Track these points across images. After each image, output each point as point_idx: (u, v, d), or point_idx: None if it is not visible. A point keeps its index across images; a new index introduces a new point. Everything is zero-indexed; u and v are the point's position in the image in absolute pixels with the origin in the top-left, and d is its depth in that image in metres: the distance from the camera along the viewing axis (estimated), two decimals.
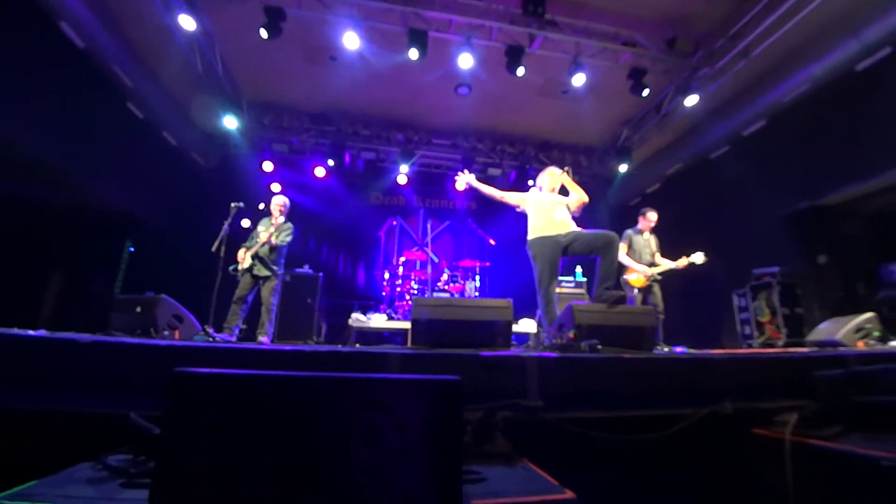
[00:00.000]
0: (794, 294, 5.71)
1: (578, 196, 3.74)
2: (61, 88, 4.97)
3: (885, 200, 5.32)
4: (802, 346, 4.90)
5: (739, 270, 6.26)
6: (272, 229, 4.88)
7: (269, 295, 4.86)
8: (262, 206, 5.30)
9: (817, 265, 5.93)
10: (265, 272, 4.84)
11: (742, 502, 1.82)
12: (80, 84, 5.21)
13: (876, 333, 3.89)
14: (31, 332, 1.66)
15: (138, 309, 3.29)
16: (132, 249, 6.76)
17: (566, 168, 3.92)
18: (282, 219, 5.01)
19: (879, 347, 3.63)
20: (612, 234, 3.38)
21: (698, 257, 4.99)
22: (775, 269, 5.85)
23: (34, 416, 1.28)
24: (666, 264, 5.07)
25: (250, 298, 4.87)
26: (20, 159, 4.74)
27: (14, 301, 4.64)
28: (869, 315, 3.95)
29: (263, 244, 4.79)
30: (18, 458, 1.15)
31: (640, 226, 5.30)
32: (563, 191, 3.92)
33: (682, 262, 5.03)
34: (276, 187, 8.24)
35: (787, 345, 5.36)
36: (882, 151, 4.77)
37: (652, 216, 5.29)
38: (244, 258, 4.82)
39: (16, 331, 1.68)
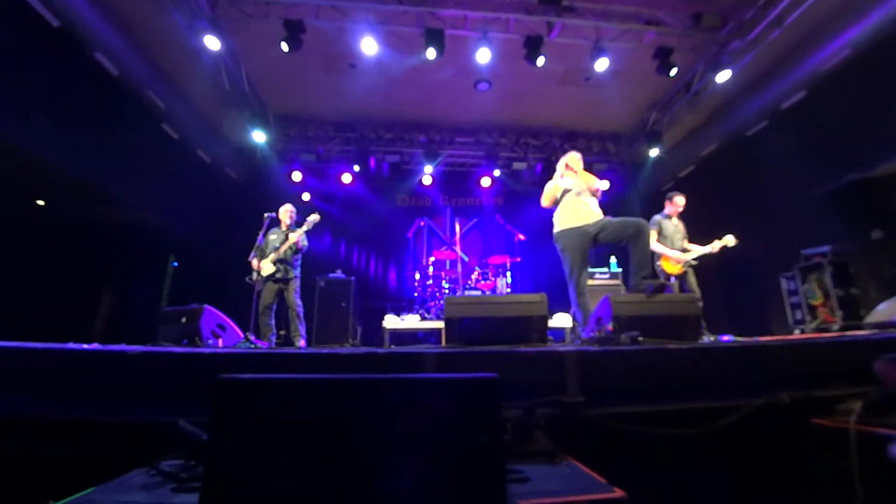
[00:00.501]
0: (848, 274, 5.38)
1: (589, 184, 3.64)
2: (100, 114, 5.25)
3: None
4: (860, 328, 4.60)
5: (786, 252, 5.95)
6: (294, 234, 4.93)
7: (295, 297, 4.96)
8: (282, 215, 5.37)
9: (871, 241, 5.54)
10: (290, 275, 4.93)
11: (803, 497, 1.71)
12: (118, 109, 5.50)
13: None
14: (86, 346, 1.75)
15: (183, 320, 3.44)
16: (176, 264, 7.09)
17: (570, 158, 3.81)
18: (294, 226, 5.09)
19: None
20: (642, 220, 3.27)
21: (729, 240, 4.82)
22: (826, 249, 5.53)
23: (90, 427, 1.35)
24: (697, 249, 4.90)
25: (275, 306, 4.97)
26: (69, 183, 5.06)
27: (70, 317, 4.96)
28: None
29: (290, 245, 4.87)
30: (79, 467, 1.22)
31: (667, 211, 5.13)
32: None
33: (716, 245, 4.85)
34: (305, 196, 8.45)
35: (843, 328, 5.05)
36: None
37: (680, 200, 5.12)
38: (260, 266, 4.82)
39: (71, 345, 1.78)
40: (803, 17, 5.05)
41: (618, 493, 0.93)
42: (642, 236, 3.19)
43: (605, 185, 3.67)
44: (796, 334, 5.47)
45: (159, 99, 5.95)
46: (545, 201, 3.72)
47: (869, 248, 5.52)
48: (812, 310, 5.59)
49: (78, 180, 5.10)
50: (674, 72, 5.73)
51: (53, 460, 1.32)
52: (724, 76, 5.81)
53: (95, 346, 1.78)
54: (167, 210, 6.47)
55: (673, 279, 4.91)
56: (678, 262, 4.89)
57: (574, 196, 3.59)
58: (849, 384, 1.80)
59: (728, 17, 5.54)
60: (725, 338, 3.85)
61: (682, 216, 5.20)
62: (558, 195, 3.67)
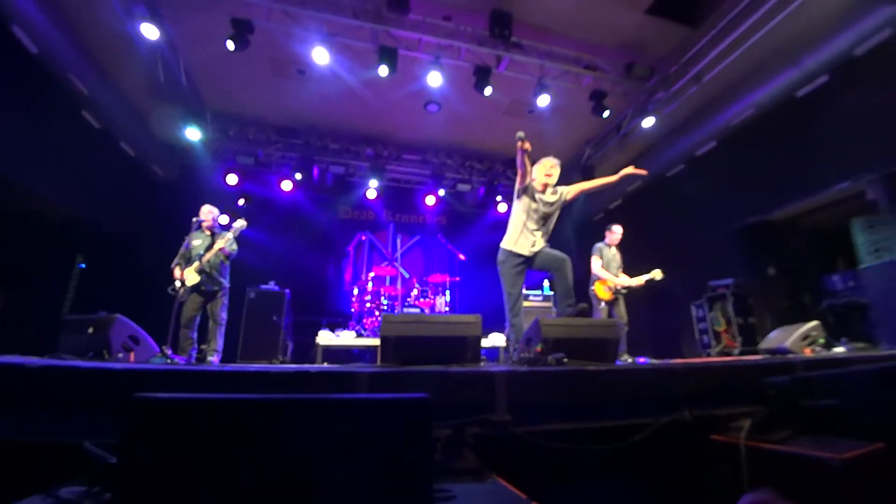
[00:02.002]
0: (747, 304, 6.04)
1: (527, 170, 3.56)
2: (12, 95, 4.71)
3: (825, 216, 5.76)
4: (756, 353, 5.17)
5: (697, 282, 6.57)
6: (220, 241, 4.62)
7: (220, 310, 4.66)
8: (227, 219, 5.11)
9: (767, 276, 6.31)
10: (215, 286, 4.64)
11: None
12: (33, 90, 4.96)
13: (821, 340, 4.16)
14: None
15: (90, 330, 3.11)
16: (83, 266, 6.40)
17: (520, 134, 3.55)
18: (218, 229, 4.81)
19: (824, 354, 3.88)
20: (564, 256, 3.49)
21: (657, 274, 5.20)
22: (729, 281, 6.19)
23: None
24: (627, 280, 5.24)
25: (199, 319, 4.62)
26: None
27: None
28: (814, 323, 4.22)
29: (216, 254, 4.57)
30: None
31: (607, 240, 5.49)
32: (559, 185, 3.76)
33: (642, 279, 5.22)
34: (241, 201, 8.04)
35: (741, 353, 5.63)
36: (822, 170, 5.19)
37: (617, 229, 5.50)
38: (182, 275, 4.47)
39: None
40: (718, 76, 5.75)
41: None
42: (565, 269, 3.43)
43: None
44: (702, 357, 6.02)
45: (82, 84, 5.43)
46: (528, 170, 3.57)
47: (765, 282, 6.28)
48: (717, 335, 6.20)
49: None
50: (606, 114, 6.26)
51: None
52: (649, 122, 6.44)
53: None
54: (79, 205, 5.86)
55: (603, 304, 5.23)
56: (611, 289, 5.23)
57: (533, 213, 3.60)
58: (742, 403, 2.03)
59: (656, 70, 6.18)
60: (642, 360, 4.16)
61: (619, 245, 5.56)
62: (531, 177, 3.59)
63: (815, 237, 6.34)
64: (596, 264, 5.27)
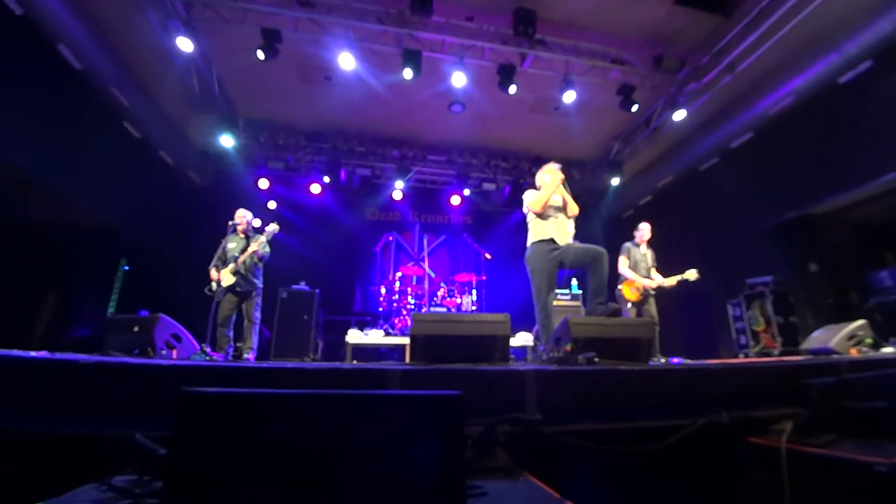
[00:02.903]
0: (787, 303, 5.78)
1: (569, 206, 3.64)
2: (58, 109, 5.02)
3: (871, 208, 5.44)
4: (797, 354, 4.94)
5: (733, 280, 6.33)
6: (254, 244, 4.79)
7: (254, 310, 4.83)
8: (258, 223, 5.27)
9: (809, 274, 6.02)
10: (249, 287, 4.81)
11: None
12: (77, 105, 5.27)
13: (868, 340, 3.94)
14: (33, 354, 1.66)
15: (135, 328, 3.28)
16: (127, 268, 6.74)
17: (561, 176, 3.70)
18: (251, 232, 4.97)
19: (872, 354, 3.68)
20: (601, 249, 3.38)
21: (692, 274, 4.96)
22: (768, 279, 5.93)
23: (38, 440, 1.28)
24: (659, 280, 5.06)
25: (234, 318, 4.81)
26: (16, 179, 4.76)
27: (7, 322, 4.61)
28: (861, 322, 4.00)
29: (250, 256, 4.74)
30: (24, 483, 1.15)
31: (636, 238, 5.33)
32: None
33: (674, 279, 5.01)
34: (272, 204, 8.29)
35: (782, 353, 5.40)
36: (865, 162, 4.90)
37: (644, 227, 5.33)
38: (219, 276, 4.67)
39: (16, 352, 1.68)
40: (753, 65, 5.52)
41: None
42: (600, 263, 3.31)
43: (576, 209, 3.73)
44: (740, 358, 5.80)
45: (123, 96, 5.73)
46: (537, 206, 3.60)
47: (807, 279, 5.98)
48: (755, 335, 5.95)
49: (27, 174, 4.80)
50: (635, 108, 6.10)
51: None
52: (680, 115, 6.24)
53: (44, 354, 1.69)
54: (122, 211, 6.17)
55: (630, 305, 5.10)
56: (639, 290, 5.09)
57: (552, 217, 3.62)
58: (783, 405, 1.96)
59: (686, 61, 5.98)
60: (676, 360, 4.04)
61: (649, 243, 5.38)
62: (546, 204, 3.63)
63: (860, 231, 5.98)
64: (623, 264, 5.14)
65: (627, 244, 5.28)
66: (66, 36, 4.79)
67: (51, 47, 4.74)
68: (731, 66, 5.62)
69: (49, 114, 4.89)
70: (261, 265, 4.96)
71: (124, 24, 5.13)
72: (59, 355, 1.69)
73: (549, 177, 3.71)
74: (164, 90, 6.23)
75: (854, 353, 3.81)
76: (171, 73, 5.83)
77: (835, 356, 3.58)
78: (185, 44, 5.05)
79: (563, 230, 3.59)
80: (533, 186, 3.92)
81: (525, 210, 3.74)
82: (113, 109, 5.79)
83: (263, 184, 8.12)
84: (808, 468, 1.64)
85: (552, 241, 3.52)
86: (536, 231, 3.62)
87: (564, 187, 3.68)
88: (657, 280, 5.06)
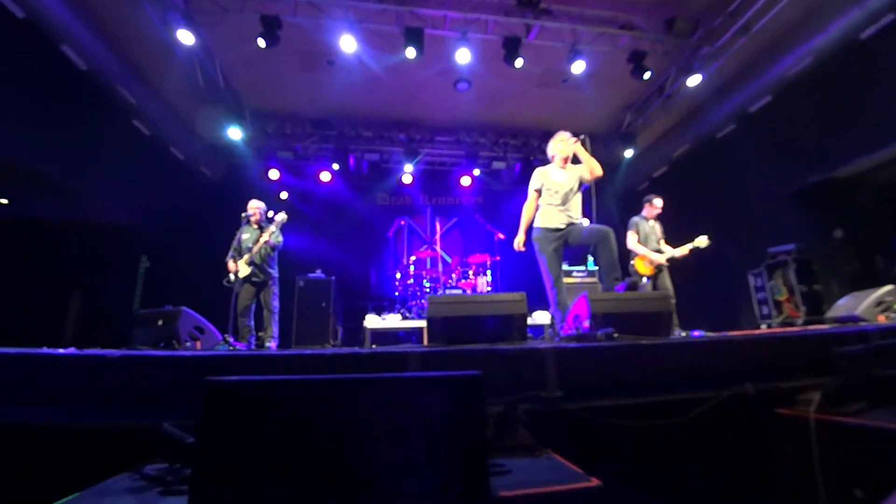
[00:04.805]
0: (811, 271, 5.64)
1: (592, 167, 3.55)
2: (67, 110, 5.07)
3: (894, 171, 5.21)
4: (822, 323, 4.83)
5: (754, 250, 6.20)
6: (265, 234, 4.84)
7: (271, 299, 4.92)
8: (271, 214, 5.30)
9: (833, 240, 5.83)
10: (264, 276, 4.88)
11: (768, 482, 1.81)
12: (86, 104, 5.31)
13: None
14: (61, 351, 1.71)
15: (160, 322, 3.36)
16: (148, 265, 6.89)
17: (581, 136, 3.64)
18: (264, 223, 5.01)
19: None
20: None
21: (702, 241, 4.93)
22: (790, 247, 5.79)
23: (71, 432, 1.33)
24: (670, 251, 5.03)
25: (253, 307, 4.91)
26: (35, 182, 4.86)
27: (37, 321, 4.77)
28: (889, 288, 3.87)
29: (263, 246, 4.80)
30: (60, 474, 1.19)
31: (645, 213, 5.29)
32: (576, 160, 3.69)
33: (686, 248, 4.98)
34: (283, 195, 8.33)
35: (806, 322, 5.30)
36: (889, 121, 4.68)
37: (658, 202, 5.27)
38: (236, 267, 4.77)
39: (46, 350, 1.74)
40: (768, 25, 5.27)
41: (594, 482, 0.98)
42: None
43: (598, 173, 3.60)
44: (763, 328, 5.71)
45: (130, 94, 5.76)
46: (529, 208, 3.70)
47: (831, 246, 5.80)
48: (778, 305, 5.84)
49: (44, 178, 4.91)
50: (647, 75, 5.89)
51: (35, 467, 1.29)
52: (695, 80, 6.02)
53: (72, 350, 1.74)
54: (139, 208, 6.27)
55: (646, 279, 5.06)
56: (652, 263, 5.03)
57: (558, 190, 3.58)
58: (810, 375, 1.91)
59: (699, 24, 5.73)
60: (696, 333, 4.00)
61: (659, 215, 5.35)
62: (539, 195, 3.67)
63: (886, 194, 5.72)
64: (632, 239, 5.09)
65: (635, 219, 5.24)
66: (69, 36, 4.80)
67: (55, 49, 4.76)
68: (746, 26, 5.37)
69: (60, 115, 4.95)
70: (274, 254, 5.03)
71: (125, 21, 5.11)
72: (87, 351, 1.74)
73: (560, 146, 3.67)
74: (170, 86, 6.24)
75: (882, 319, 3.70)
76: (176, 68, 5.83)
77: (862, 323, 3.48)
78: (185, 36, 5.03)
79: (562, 214, 3.56)
80: (544, 163, 3.88)
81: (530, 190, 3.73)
82: (121, 108, 5.83)
83: (274, 174, 8.15)
84: (838, 438, 1.61)
85: (553, 226, 3.54)
86: (539, 215, 3.64)
87: (585, 147, 3.61)
88: (668, 252, 5.03)
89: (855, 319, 3.77)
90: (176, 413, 1.29)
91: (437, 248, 7.02)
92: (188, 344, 3.31)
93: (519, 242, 3.71)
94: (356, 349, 2.04)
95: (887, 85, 4.68)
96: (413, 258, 7.45)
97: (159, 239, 6.69)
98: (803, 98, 5.58)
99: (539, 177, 3.69)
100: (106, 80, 5.43)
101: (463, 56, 5.51)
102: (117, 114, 5.83)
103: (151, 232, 6.60)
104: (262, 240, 4.82)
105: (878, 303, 3.81)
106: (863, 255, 5.68)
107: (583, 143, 3.60)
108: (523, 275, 7.97)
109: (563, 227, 3.52)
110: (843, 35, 4.92)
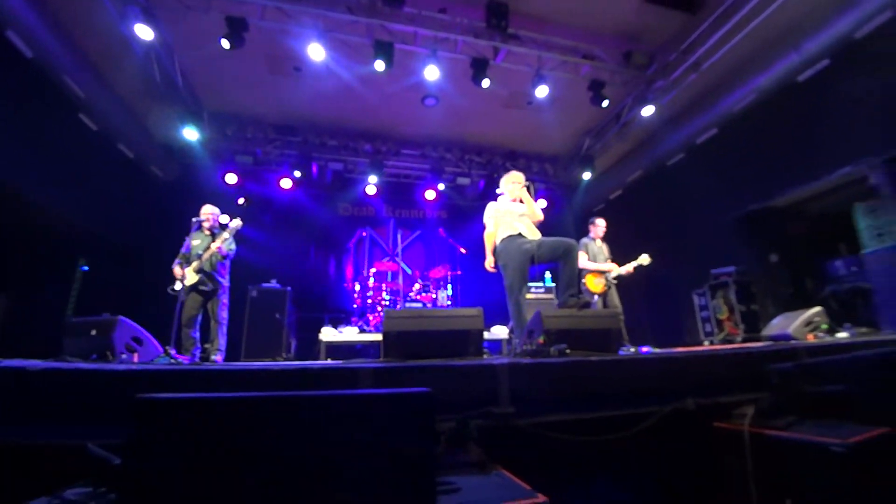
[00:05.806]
0: (750, 292, 6.02)
1: (533, 212, 3.79)
2: (8, 100, 4.69)
3: (827, 201, 5.73)
4: (759, 340, 5.16)
5: (699, 271, 6.56)
6: (217, 241, 4.64)
7: (220, 309, 4.70)
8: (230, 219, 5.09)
9: (769, 263, 6.30)
10: (213, 285, 4.67)
11: (708, 493, 1.89)
12: (29, 95, 4.94)
13: (824, 326, 4.14)
14: None
15: (93, 332, 3.11)
16: (86, 269, 6.41)
17: (527, 183, 3.90)
18: (217, 230, 4.82)
19: (827, 340, 3.87)
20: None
21: (644, 259, 5.31)
22: (731, 269, 6.17)
23: None
24: (616, 269, 5.34)
25: (200, 318, 4.68)
26: None
27: None
28: (817, 309, 4.19)
29: (213, 253, 4.61)
30: None
31: (591, 234, 5.60)
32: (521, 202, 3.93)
33: (630, 266, 5.33)
34: (241, 200, 8.02)
35: (744, 340, 5.63)
36: (823, 155, 5.15)
37: (600, 223, 5.63)
38: (183, 274, 4.53)
39: None
40: (717, 63, 5.71)
41: (541, 498, 0.99)
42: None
43: (538, 218, 3.86)
44: (705, 345, 6.02)
45: (78, 87, 5.41)
46: (489, 237, 3.86)
47: (767, 269, 6.26)
48: (719, 323, 6.19)
49: None
50: (605, 103, 6.21)
51: None
52: (648, 110, 6.40)
53: None
54: (79, 207, 5.84)
55: (597, 297, 5.28)
56: (602, 280, 5.28)
57: (514, 216, 3.75)
58: (747, 391, 2.03)
59: (654, 58, 6.12)
60: (645, 349, 4.15)
61: (610, 236, 5.64)
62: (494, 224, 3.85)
63: (817, 223, 6.30)
64: (582, 258, 5.32)
65: (584, 240, 5.53)
66: (16, 21, 4.47)
67: (0, 34, 4.43)
68: (696, 63, 5.78)
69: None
70: (226, 262, 4.81)
71: (78, 10, 4.84)
72: (7, 362, 1.59)
73: (511, 187, 3.91)
74: (123, 80, 5.92)
75: (811, 338, 3.99)
76: (131, 62, 5.55)
77: (793, 342, 3.74)
78: (144, 31, 4.81)
79: (530, 227, 3.74)
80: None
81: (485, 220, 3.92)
82: (68, 100, 5.45)
83: (231, 178, 7.84)
84: (770, 450, 1.70)
85: (521, 235, 3.65)
86: (505, 228, 3.74)
87: (529, 192, 3.84)
88: (615, 269, 5.36)
89: (787, 338, 4.05)
90: (104, 432, 1.19)
91: (399, 260, 6.97)
92: (124, 356, 3.08)
93: (489, 264, 3.89)
94: (307, 363, 1.97)
95: (821, 124, 5.16)
96: (374, 270, 7.37)
97: (101, 241, 6.25)
98: (746, 132, 6.05)
99: (492, 208, 3.92)
100: (53, 71, 5.08)
101: (431, 73, 5.58)
102: (62, 106, 5.44)
103: (93, 233, 6.16)
104: (213, 247, 4.60)
105: (808, 322, 4.11)
106: (795, 278, 6.17)
107: (528, 189, 3.85)
108: (484, 289, 8.06)
109: (530, 241, 3.61)
110: (783, 76, 5.40)
